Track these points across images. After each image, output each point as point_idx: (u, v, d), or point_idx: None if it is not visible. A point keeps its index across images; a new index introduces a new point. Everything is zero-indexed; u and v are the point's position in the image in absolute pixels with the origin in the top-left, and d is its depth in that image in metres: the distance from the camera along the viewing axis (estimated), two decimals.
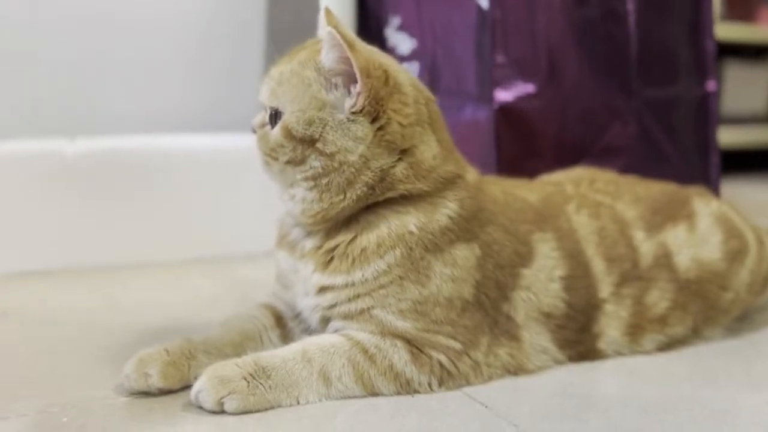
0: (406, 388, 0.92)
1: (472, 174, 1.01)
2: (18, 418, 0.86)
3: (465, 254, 0.95)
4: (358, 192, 0.93)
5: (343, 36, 0.89)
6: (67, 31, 1.72)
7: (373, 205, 0.95)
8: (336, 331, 0.96)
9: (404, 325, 0.93)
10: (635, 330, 1.06)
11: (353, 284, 0.93)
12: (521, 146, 1.48)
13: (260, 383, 0.86)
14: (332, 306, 0.95)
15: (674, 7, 1.67)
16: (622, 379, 1.00)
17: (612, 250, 1.07)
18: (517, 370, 0.98)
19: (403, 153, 0.94)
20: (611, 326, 1.05)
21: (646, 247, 1.10)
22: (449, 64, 1.56)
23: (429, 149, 0.96)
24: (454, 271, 0.94)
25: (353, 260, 0.93)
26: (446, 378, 0.93)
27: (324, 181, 0.93)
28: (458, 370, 0.94)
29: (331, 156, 0.92)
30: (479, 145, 1.48)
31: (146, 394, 0.91)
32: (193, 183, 1.66)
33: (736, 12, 3.05)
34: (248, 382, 0.86)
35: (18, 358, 1.07)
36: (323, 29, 0.96)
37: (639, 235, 1.10)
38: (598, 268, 1.05)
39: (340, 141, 0.91)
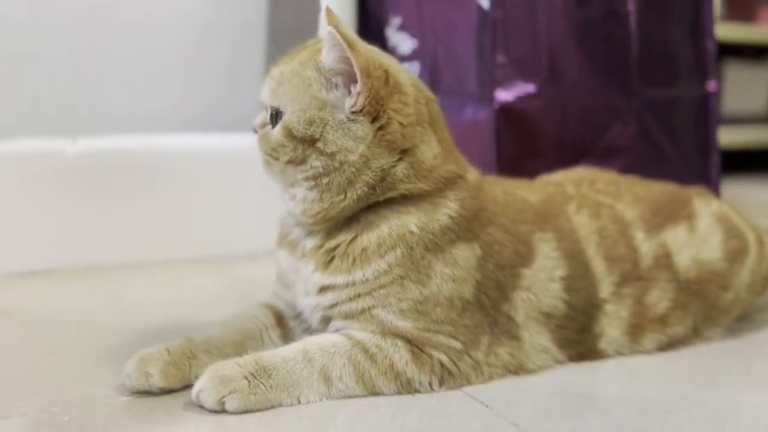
0: (406, 387, 0.92)
1: (472, 174, 1.01)
2: (19, 417, 0.86)
3: (466, 254, 0.95)
4: (359, 192, 0.93)
5: (343, 36, 0.90)
6: (67, 31, 1.72)
7: (373, 204, 0.95)
8: (337, 330, 0.96)
9: (405, 324, 0.93)
10: (635, 330, 1.07)
11: (354, 284, 0.93)
12: (522, 146, 1.48)
13: (261, 382, 0.86)
14: (333, 305, 0.95)
15: (675, 8, 1.67)
16: (622, 378, 1.00)
17: (612, 250, 1.07)
18: (517, 369, 0.98)
19: (404, 153, 0.94)
20: (612, 326, 1.05)
21: (646, 247, 1.10)
22: (450, 64, 1.56)
23: (430, 149, 0.96)
24: (454, 271, 0.94)
25: (354, 260, 0.93)
26: (447, 377, 0.93)
27: (325, 180, 0.93)
28: (459, 369, 0.94)
29: (331, 156, 0.92)
30: (480, 144, 1.48)
31: (147, 393, 0.91)
32: (193, 182, 1.66)
33: (736, 12, 3.05)
34: (249, 381, 0.86)
35: (19, 357, 1.07)
36: (324, 29, 0.96)
37: (639, 235, 1.10)
38: (598, 268, 1.05)
39: (340, 141, 0.91)
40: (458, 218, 0.95)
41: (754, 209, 1.60)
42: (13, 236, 1.52)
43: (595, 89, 1.56)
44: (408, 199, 0.94)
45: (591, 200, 1.13)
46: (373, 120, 0.92)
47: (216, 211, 1.68)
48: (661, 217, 1.13)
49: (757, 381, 1.03)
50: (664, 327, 1.09)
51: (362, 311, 0.94)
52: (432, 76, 1.58)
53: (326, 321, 0.97)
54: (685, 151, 1.70)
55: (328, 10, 0.98)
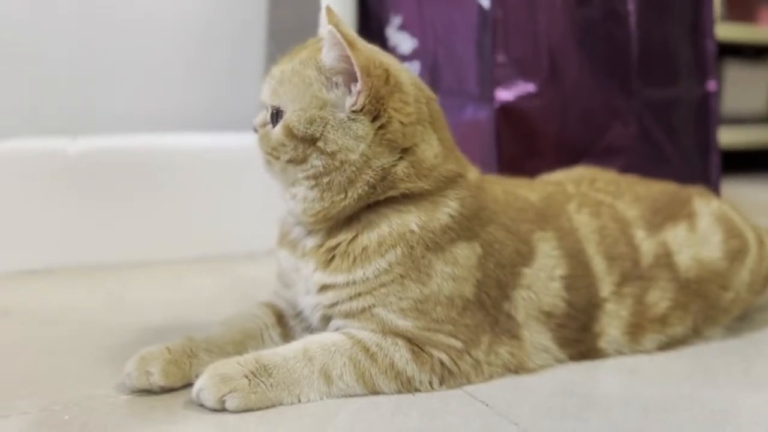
0: (407, 386, 0.92)
1: (473, 173, 1.01)
2: (20, 416, 0.86)
3: (466, 253, 0.95)
4: (359, 191, 0.93)
5: (343, 35, 0.90)
6: (67, 31, 1.72)
7: (374, 203, 0.95)
8: (337, 329, 0.96)
9: (405, 323, 0.93)
10: (636, 329, 1.07)
11: (354, 283, 0.93)
12: (522, 146, 1.48)
13: (261, 381, 0.87)
14: (333, 304, 0.95)
15: (675, 8, 1.67)
16: (622, 378, 1.00)
17: (613, 249, 1.07)
18: (517, 368, 0.98)
19: (404, 152, 0.94)
20: (612, 325, 1.05)
21: (646, 246, 1.10)
22: (450, 63, 1.56)
23: (430, 148, 0.96)
24: (455, 270, 0.94)
25: (354, 259, 0.93)
26: (447, 376, 0.93)
27: (325, 180, 0.93)
28: (459, 368, 0.94)
29: (332, 155, 0.92)
30: (480, 144, 1.48)
31: (148, 392, 0.91)
32: (194, 182, 1.66)
33: (736, 12, 3.05)
34: (249, 380, 0.86)
35: (19, 356, 1.07)
36: (324, 28, 0.97)
37: (640, 235, 1.10)
38: (598, 267, 1.05)
39: (341, 140, 0.91)
40: (459, 217, 0.95)
41: (754, 209, 1.60)
42: (13, 236, 1.52)
43: (595, 89, 1.56)
44: (408, 198, 0.94)
45: (591, 199, 1.13)
46: (374, 119, 0.92)
47: (216, 211, 1.67)
48: (661, 217, 1.13)
49: (757, 380, 1.03)
50: (664, 326, 1.09)
51: (363, 310, 0.94)
52: (432, 76, 1.58)
53: (327, 320, 0.98)
54: (685, 151, 1.70)
55: (329, 9, 0.98)
